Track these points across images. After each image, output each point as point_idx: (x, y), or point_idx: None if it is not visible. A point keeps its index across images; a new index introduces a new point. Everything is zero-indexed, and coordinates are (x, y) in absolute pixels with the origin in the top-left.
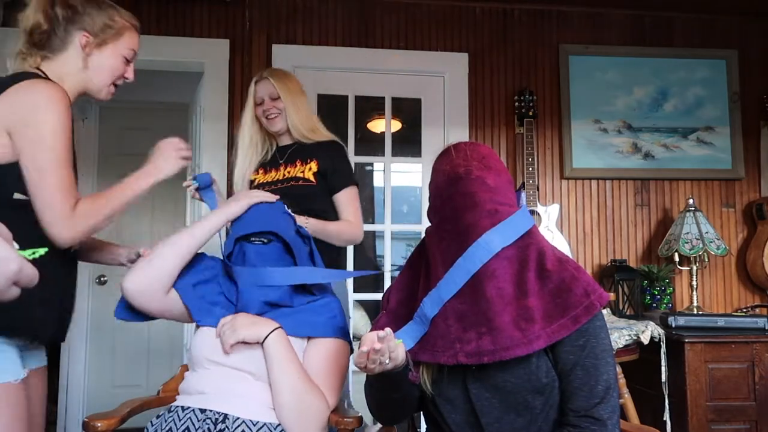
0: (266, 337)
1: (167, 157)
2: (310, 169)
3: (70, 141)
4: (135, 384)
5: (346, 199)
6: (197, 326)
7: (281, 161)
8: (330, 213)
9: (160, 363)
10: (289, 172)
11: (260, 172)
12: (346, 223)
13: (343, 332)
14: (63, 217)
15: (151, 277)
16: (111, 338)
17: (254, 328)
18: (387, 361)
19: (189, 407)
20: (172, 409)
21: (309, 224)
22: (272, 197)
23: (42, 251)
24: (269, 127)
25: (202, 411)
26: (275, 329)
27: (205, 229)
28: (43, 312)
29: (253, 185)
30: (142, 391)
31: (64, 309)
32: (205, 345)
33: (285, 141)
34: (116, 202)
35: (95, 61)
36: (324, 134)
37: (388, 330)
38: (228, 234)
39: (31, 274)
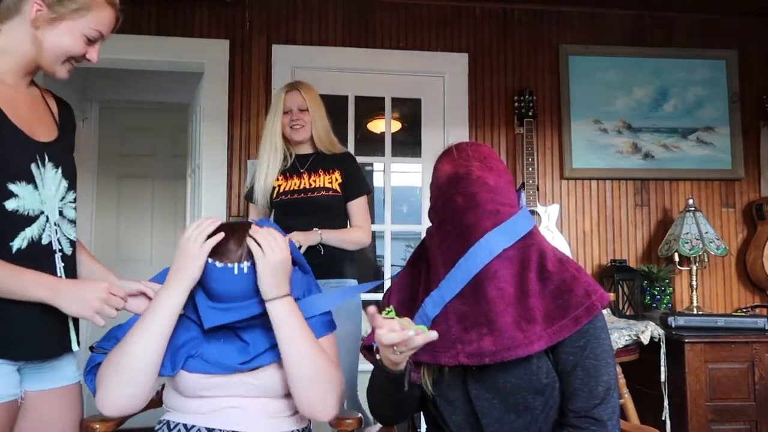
0: (271, 300)
1: (86, 298)
2: (336, 179)
3: None
4: None
5: (359, 207)
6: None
7: (302, 169)
8: (346, 222)
9: None
10: (314, 182)
11: (280, 178)
12: (357, 229)
13: (330, 327)
14: None
15: (133, 404)
16: None
17: (272, 285)
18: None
19: (193, 425)
20: (172, 426)
21: (325, 237)
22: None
23: None
24: (292, 136)
25: (210, 430)
26: (283, 296)
27: (165, 323)
28: (30, 325)
29: (276, 192)
30: None
31: (57, 319)
32: (195, 385)
33: (303, 150)
34: None
35: (44, 38)
36: (339, 147)
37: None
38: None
39: None
